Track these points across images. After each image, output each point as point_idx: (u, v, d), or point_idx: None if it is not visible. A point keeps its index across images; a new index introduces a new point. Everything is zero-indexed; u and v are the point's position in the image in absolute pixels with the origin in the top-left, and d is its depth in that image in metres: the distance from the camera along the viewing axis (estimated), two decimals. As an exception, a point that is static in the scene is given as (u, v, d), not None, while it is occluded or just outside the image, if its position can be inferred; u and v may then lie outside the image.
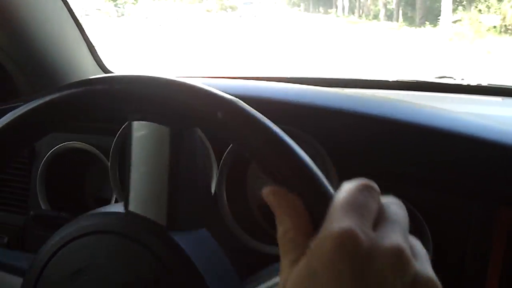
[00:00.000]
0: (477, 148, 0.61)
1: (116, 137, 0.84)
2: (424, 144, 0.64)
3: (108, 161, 0.86)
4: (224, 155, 0.77)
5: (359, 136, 0.68)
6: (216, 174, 0.79)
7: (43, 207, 0.91)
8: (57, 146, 0.90)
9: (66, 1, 1.04)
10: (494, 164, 0.61)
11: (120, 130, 0.83)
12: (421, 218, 0.64)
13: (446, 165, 0.64)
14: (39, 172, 0.91)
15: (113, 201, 0.89)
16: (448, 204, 0.65)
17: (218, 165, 0.79)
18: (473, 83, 1.26)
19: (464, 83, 1.28)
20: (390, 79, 1.25)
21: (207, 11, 18.30)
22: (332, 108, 0.72)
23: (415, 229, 0.68)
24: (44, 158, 0.90)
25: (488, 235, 0.61)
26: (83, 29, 1.12)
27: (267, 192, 0.34)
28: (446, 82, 1.30)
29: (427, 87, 1.24)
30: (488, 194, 0.62)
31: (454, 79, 1.31)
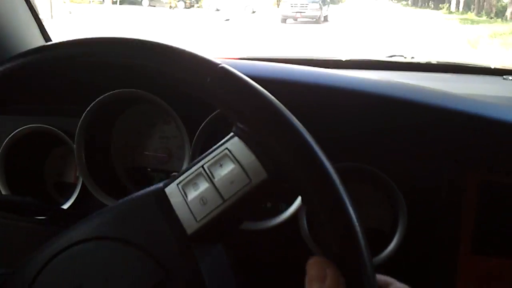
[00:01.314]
0: (446, 117, 0.64)
1: (82, 118, 0.81)
2: (397, 114, 0.67)
3: (73, 143, 0.83)
4: (197, 134, 0.77)
5: (333, 109, 0.70)
6: (189, 154, 0.78)
7: (3, 193, 0.87)
8: (18, 130, 0.85)
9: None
10: (462, 132, 0.64)
11: (86, 111, 0.81)
12: (395, 185, 0.67)
13: (418, 133, 0.67)
14: None
15: (78, 186, 0.86)
16: (420, 172, 0.68)
17: (190, 144, 0.78)
18: (423, 60, 1.32)
19: (414, 61, 1.34)
20: (343, 59, 1.28)
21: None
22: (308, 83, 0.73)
23: (389, 197, 0.72)
24: (4, 143, 0.86)
25: (458, 198, 0.65)
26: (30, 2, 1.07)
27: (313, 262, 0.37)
28: (396, 60, 1.35)
29: (378, 65, 1.28)
30: (457, 159, 0.66)
31: (405, 57, 1.37)
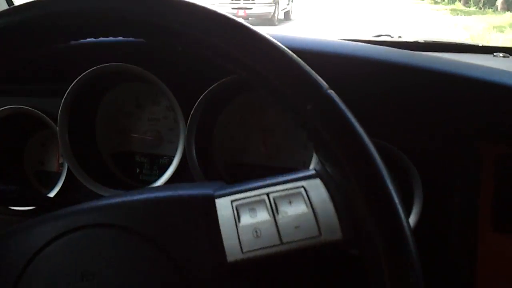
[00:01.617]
0: (460, 88, 0.61)
1: (64, 97, 0.74)
2: (412, 85, 0.63)
3: (56, 126, 0.76)
4: (192, 112, 0.72)
5: (342, 78, 0.66)
6: (185, 131, 0.73)
7: (-20, 182, 0.80)
8: None
9: None
10: (475, 102, 0.62)
11: (69, 88, 0.74)
12: (411, 162, 0.64)
13: (432, 107, 0.64)
14: None
15: (64, 172, 0.79)
16: (435, 148, 0.65)
17: (185, 122, 0.73)
18: (410, 39, 1.30)
19: (401, 40, 1.32)
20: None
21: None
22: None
23: (405, 174, 0.68)
24: None
25: (475, 171, 0.62)
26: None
27: None
28: (383, 39, 1.33)
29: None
30: (472, 132, 0.63)
31: (392, 37, 1.35)
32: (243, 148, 0.80)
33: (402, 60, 0.63)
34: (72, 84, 0.74)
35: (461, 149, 0.63)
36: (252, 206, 0.40)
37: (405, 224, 0.34)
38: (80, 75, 0.74)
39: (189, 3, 0.37)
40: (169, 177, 0.76)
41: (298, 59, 0.37)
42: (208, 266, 0.40)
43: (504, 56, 1.06)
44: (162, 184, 0.76)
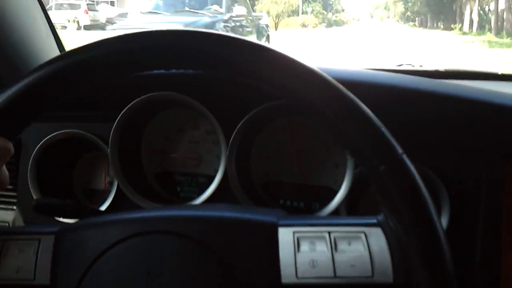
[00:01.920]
0: (484, 110, 0.67)
1: (116, 121, 0.82)
2: (439, 110, 0.69)
3: (107, 148, 0.84)
4: (233, 135, 0.78)
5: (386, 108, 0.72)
6: (226, 152, 0.79)
7: (35, 198, 0.87)
8: (53, 135, 0.86)
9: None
10: (499, 124, 0.67)
11: (120, 115, 0.82)
12: (439, 180, 0.69)
13: (458, 128, 0.69)
14: (30, 162, 0.86)
15: (113, 189, 0.86)
16: (461, 166, 0.71)
17: (226, 144, 0.79)
18: (431, 68, 1.36)
19: (422, 69, 1.38)
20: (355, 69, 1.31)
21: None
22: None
23: (433, 191, 0.73)
24: (37, 148, 0.86)
25: (498, 189, 0.67)
26: (47, 13, 1.08)
27: None
28: (405, 69, 1.39)
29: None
30: (495, 151, 0.69)
31: (413, 66, 1.41)
32: (278, 168, 0.86)
33: (431, 89, 0.69)
34: (124, 111, 0.81)
35: (486, 168, 0.69)
36: (312, 240, 0.44)
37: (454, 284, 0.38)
38: (128, 102, 0.81)
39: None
40: (209, 195, 0.82)
41: (377, 119, 0.41)
42: (264, 283, 0.44)
43: (527, 84, 1.11)
44: (202, 201, 0.82)
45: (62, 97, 0.46)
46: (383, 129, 0.41)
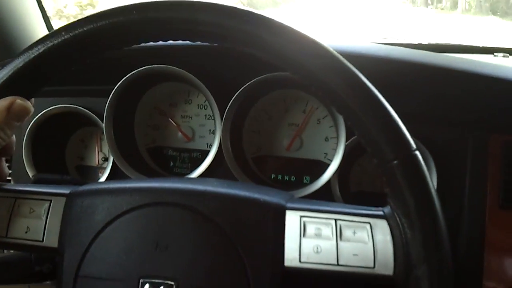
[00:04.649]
0: (471, 83, 0.69)
1: (111, 96, 0.82)
2: (429, 84, 0.71)
3: (102, 123, 0.84)
4: (227, 108, 0.80)
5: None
6: (220, 126, 0.81)
7: (30, 174, 0.88)
8: (48, 109, 0.86)
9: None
10: (486, 97, 0.70)
11: (115, 89, 0.82)
12: (426, 150, 0.72)
13: (446, 101, 0.72)
14: (25, 138, 0.86)
15: (108, 169, 0.87)
16: (448, 137, 0.73)
17: (221, 118, 0.81)
18: (415, 41, 1.38)
19: (406, 42, 1.40)
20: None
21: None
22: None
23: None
24: (31, 123, 0.86)
25: (483, 159, 0.70)
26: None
27: None
28: (392, 42, 1.40)
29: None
30: (481, 124, 0.72)
31: (397, 39, 1.43)
32: (269, 142, 0.88)
33: (422, 60, 0.70)
34: (117, 85, 0.81)
35: (471, 137, 0.72)
36: (318, 226, 0.45)
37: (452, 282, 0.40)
38: (121, 76, 0.81)
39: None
40: (203, 170, 0.83)
41: (393, 111, 0.42)
42: (268, 264, 0.45)
43: (504, 56, 1.14)
44: (197, 175, 0.84)
45: (73, 64, 0.47)
46: (400, 122, 0.42)
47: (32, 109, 0.47)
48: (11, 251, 0.64)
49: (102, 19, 0.44)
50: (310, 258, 0.43)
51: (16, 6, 1.00)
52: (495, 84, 0.68)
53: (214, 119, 0.83)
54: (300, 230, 0.45)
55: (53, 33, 0.45)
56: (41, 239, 0.48)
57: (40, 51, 0.44)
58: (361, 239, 0.44)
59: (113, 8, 0.45)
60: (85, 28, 0.44)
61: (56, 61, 0.45)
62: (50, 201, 0.49)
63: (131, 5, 0.44)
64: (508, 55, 1.19)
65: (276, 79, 0.77)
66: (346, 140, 0.76)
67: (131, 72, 0.81)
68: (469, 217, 0.70)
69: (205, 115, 0.90)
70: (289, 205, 0.47)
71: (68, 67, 0.47)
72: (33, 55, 0.44)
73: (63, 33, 0.44)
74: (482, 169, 0.70)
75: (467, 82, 0.69)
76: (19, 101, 0.46)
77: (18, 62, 0.45)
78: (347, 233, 0.44)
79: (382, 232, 0.43)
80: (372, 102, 0.42)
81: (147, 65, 0.81)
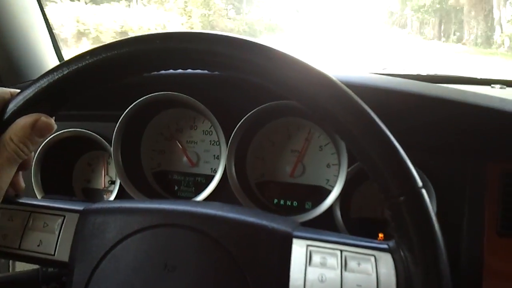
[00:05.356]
0: (467, 113, 0.72)
1: (120, 121, 0.85)
2: (427, 114, 0.73)
3: (110, 147, 0.86)
4: (233, 134, 0.82)
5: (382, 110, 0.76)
6: (226, 152, 0.83)
7: (38, 196, 0.89)
8: (57, 133, 0.88)
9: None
10: (483, 127, 0.72)
11: (124, 114, 0.84)
12: (426, 177, 0.74)
13: (446, 131, 0.74)
14: (34, 161, 0.88)
15: (115, 191, 0.89)
16: (447, 165, 0.76)
17: (226, 143, 0.83)
18: (413, 73, 1.42)
19: (405, 72, 1.44)
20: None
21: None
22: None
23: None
24: (40, 147, 0.88)
25: (481, 186, 0.72)
26: (48, 22, 1.11)
27: None
28: (389, 72, 1.44)
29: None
30: (479, 152, 0.74)
31: (396, 70, 1.46)
32: (272, 168, 0.90)
33: (419, 90, 0.73)
34: (126, 111, 0.84)
35: (470, 165, 0.74)
36: (324, 255, 0.45)
37: None
38: (130, 102, 0.84)
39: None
40: (208, 194, 0.85)
41: (400, 147, 0.42)
42: None
43: (501, 88, 1.17)
44: (201, 199, 0.86)
45: (93, 87, 0.48)
46: (406, 158, 0.42)
47: (55, 127, 0.49)
48: (18, 270, 0.65)
49: (124, 47, 0.46)
50: (314, 286, 0.44)
51: (29, 34, 1.03)
52: (491, 114, 0.70)
53: (219, 145, 0.85)
54: (306, 259, 0.46)
55: (77, 57, 0.47)
56: (52, 253, 0.50)
57: (65, 72, 0.46)
58: (365, 270, 0.44)
59: (136, 36, 0.47)
60: (108, 54, 0.46)
61: (78, 84, 0.48)
62: (64, 216, 0.51)
63: (152, 34, 0.46)
64: (505, 86, 1.22)
65: (280, 107, 0.80)
66: (348, 167, 0.79)
67: (139, 98, 0.84)
68: (468, 244, 0.72)
69: (210, 141, 0.93)
70: (296, 233, 0.48)
71: (88, 90, 0.49)
72: (57, 76, 0.46)
73: (87, 57, 0.46)
74: (480, 197, 0.72)
75: (463, 112, 0.71)
76: (44, 118, 0.48)
77: (42, 82, 0.47)
78: (351, 264, 0.45)
79: (386, 265, 0.44)
80: (381, 138, 0.43)
81: (155, 92, 0.84)
